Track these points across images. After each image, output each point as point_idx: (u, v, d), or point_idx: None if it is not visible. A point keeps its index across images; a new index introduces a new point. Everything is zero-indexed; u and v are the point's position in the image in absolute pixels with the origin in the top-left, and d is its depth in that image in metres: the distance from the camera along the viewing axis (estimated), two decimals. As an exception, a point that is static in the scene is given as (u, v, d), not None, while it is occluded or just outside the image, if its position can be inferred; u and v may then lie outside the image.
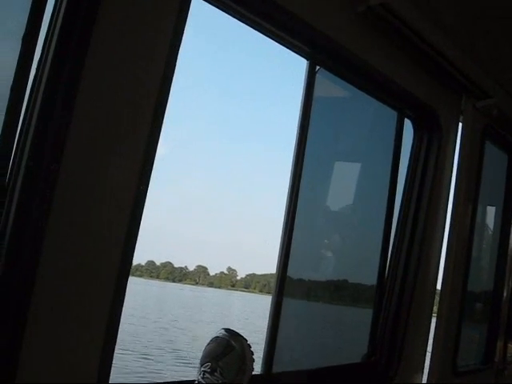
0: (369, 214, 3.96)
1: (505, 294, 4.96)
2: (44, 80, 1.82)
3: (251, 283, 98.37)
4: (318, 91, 3.09)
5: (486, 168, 4.38)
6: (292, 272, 3.10)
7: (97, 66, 1.93)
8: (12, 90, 1.76)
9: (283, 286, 2.99)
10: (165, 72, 2.17)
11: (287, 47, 2.98)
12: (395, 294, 3.76)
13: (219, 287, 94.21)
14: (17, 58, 1.76)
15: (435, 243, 4.00)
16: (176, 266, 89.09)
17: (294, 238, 2.98)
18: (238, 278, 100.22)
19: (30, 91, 1.80)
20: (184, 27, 2.24)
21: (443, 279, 4.04)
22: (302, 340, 3.54)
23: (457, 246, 4.12)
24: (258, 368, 2.60)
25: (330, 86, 3.38)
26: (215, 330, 2.18)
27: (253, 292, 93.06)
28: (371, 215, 3.93)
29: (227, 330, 2.20)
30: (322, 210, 3.69)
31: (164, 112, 2.18)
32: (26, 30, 1.77)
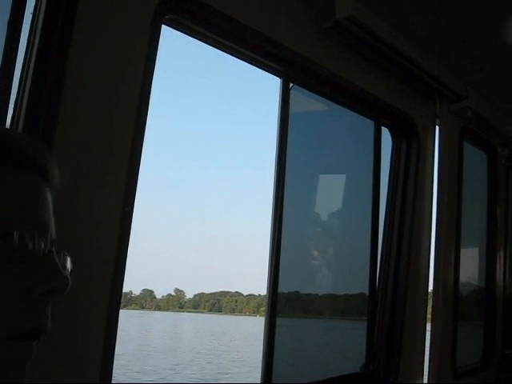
0: (355, 225, 3.99)
1: (498, 289, 5.00)
2: (23, 112, 1.86)
3: (200, 303, 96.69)
4: (294, 107, 3.14)
5: (468, 168, 4.44)
6: (283, 288, 3.13)
7: (74, 100, 1.96)
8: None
9: (275, 303, 3.00)
10: (141, 93, 2.18)
11: (259, 67, 3.03)
12: (388, 300, 3.78)
13: (167, 310, 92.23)
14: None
15: (423, 246, 4.04)
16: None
17: (281, 253, 3.00)
18: (186, 298, 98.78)
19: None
20: (155, 55, 2.28)
21: (434, 281, 4.07)
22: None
23: (445, 246, 4.16)
24: None
25: (306, 102, 3.43)
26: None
27: (202, 312, 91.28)
28: (357, 226, 3.96)
29: None
30: (308, 224, 3.72)
31: (144, 131, 2.19)
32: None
